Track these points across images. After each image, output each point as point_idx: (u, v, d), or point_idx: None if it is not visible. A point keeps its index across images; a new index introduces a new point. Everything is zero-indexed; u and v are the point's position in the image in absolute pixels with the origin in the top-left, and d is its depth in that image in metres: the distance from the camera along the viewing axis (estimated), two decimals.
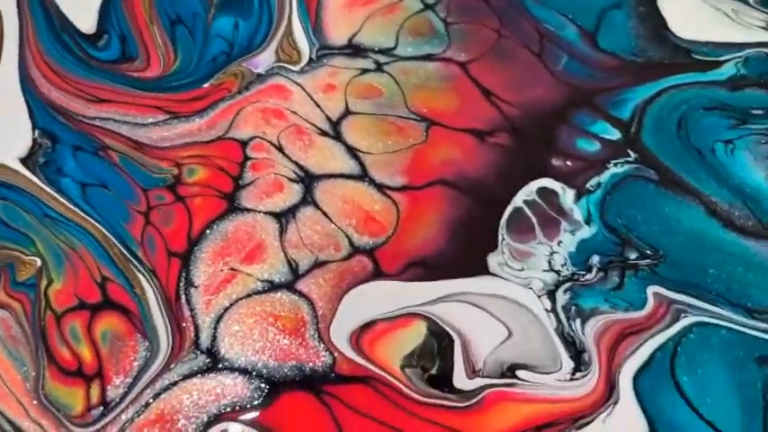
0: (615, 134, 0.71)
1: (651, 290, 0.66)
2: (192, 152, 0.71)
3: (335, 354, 0.65)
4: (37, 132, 0.71)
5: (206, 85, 0.73)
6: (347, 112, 0.72)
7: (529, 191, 0.70)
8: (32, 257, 0.66)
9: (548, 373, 0.64)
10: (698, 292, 0.66)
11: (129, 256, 0.66)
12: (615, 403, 0.63)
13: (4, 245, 0.66)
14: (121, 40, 0.74)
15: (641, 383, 0.64)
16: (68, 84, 0.72)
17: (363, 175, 0.70)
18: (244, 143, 0.71)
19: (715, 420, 0.63)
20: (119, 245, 0.67)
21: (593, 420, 0.63)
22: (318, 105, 0.72)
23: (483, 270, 0.67)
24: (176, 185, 0.69)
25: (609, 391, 0.64)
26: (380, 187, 0.70)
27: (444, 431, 0.62)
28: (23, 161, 0.69)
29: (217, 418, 0.61)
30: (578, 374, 0.64)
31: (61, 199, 0.68)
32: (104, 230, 0.67)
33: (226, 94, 0.73)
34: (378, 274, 0.67)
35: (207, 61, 0.74)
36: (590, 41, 0.74)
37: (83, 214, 0.68)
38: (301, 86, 0.73)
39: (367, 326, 0.66)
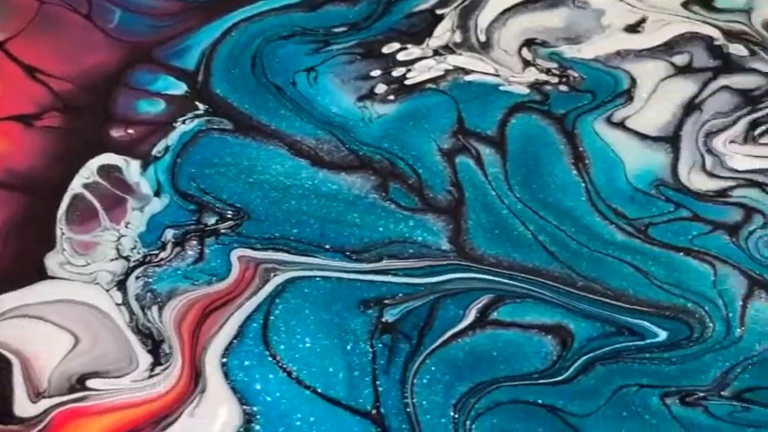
0: (180, 88, 0.72)
1: (235, 254, 0.67)
2: None
3: None
4: None
5: None
6: None
7: (88, 172, 0.70)
8: None
9: (122, 376, 0.64)
10: (289, 245, 0.68)
11: None
12: (203, 392, 0.64)
13: None
14: None
15: (230, 362, 0.65)
16: None
17: None
18: None
19: (320, 385, 0.64)
20: None
21: (179, 417, 0.63)
22: None
23: (41, 275, 0.67)
24: None
25: (195, 380, 0.64)
26: None
27: None
28: None
29: None
30: (158, 369, 0.65)
31: None
32: None
33: None
34: None
35: None
36: None
37: None
38: None
39: None
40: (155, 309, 0.66)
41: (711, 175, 0.70)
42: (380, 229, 0.68)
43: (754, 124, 0.71)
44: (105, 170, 0.70)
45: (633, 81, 0.73)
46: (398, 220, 0.68)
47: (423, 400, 0.65)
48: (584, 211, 0.69)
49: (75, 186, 0.69)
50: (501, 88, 0.72)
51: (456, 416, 0.64)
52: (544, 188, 0.69)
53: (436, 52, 0.73)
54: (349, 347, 0.66)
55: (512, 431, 0.64)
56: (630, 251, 0.68)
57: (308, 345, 0.66)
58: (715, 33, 0.75)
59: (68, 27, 0.74)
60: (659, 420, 0.64)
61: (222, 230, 0.68)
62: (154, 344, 0.65)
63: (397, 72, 0.73)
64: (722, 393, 0.65)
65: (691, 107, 0.72)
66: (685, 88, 0.73)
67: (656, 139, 0.71)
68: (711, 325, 0.67)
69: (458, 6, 0.74)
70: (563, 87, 0.72)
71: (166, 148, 0.70)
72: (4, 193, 0.69)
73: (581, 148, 0.70)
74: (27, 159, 0.70)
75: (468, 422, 0.64)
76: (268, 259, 0.67)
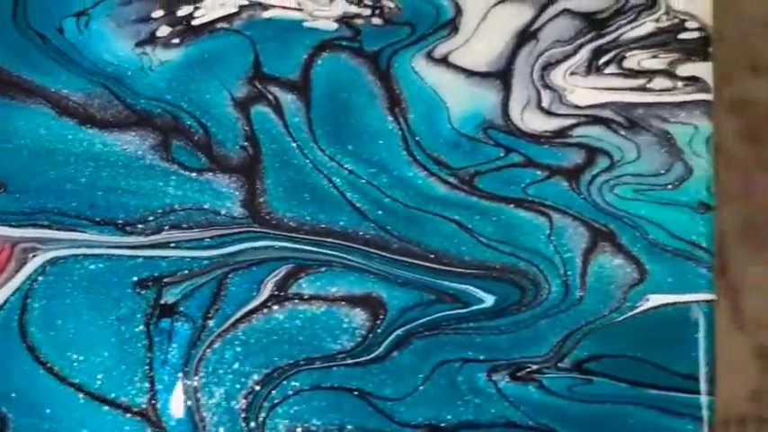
0: None
1: None
2: None
3: None
4: None
5: None
6: None
7: None
8: None
9: None
10: (51, 220, 0.61)
11: None
12: None
13: None
14: None
15: None
16: None
17: None
18: None
19: (86, 381, 0.58)
20: None
21: None
22: None
23: None
24: None
25: None
26: None
27: None
28: None
29: None
30: None
31: None
32: None
33: None
34: None
35: None
36: None
37: None
38: None
39: None
40: None
41: (548, 113, 0.64)
42: (160, 194, 0.61)
43: (597, 52, 0.65)
44: None
45: (458, 9, 0.66)
46: (182, 184, 0.62)
47: (208, 392, 0.58)
48: (401, 163, 0.63)
49: None
50: (305, 24, 0.65)
51: (247, 408, 0.58)
52: (354, 138, 0.63)
53: None
54: (122, 336, 0.59)
55: (312, 422, 0.58)
56: (454, 206, 0.62)
57: (73, 334, 0.59)
58: None
59: None
60: (485, 400, 0.59)
61: None
62: None
63: (182, 11, 0.66)
64: (560, 365, 0.59)
65: (525, 36, 0.65)
66: (520, 14, 0.66)
67: (484, 76, 0.64)
68: (547, 286, 0.61)
69: None
70: (376, 20, 0.65)
71: None
72: None
73: (397, 91, 0.64)
74: None
75: (261, 414, 0.58)
76: (26, 237, 0.61)
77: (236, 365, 0.59)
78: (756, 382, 0.77)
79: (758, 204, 0.80)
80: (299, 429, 0.58)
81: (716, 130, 0.77)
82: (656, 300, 0.61)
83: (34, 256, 0.60)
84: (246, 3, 0.66)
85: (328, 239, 0.61)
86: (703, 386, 0.60)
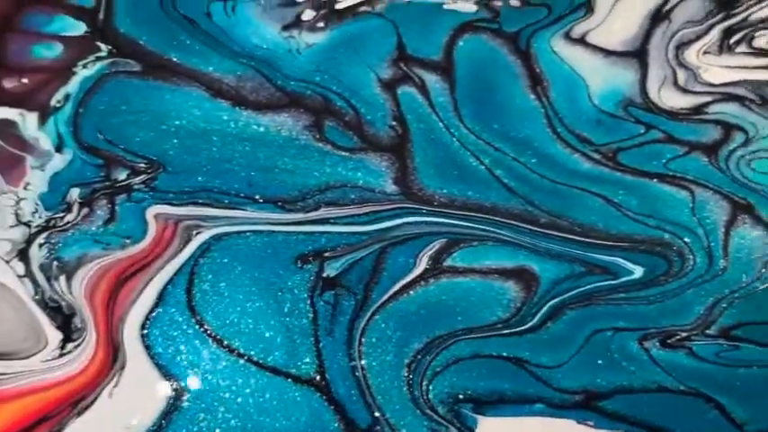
0: (79, 28, 0.68)
1: (151, 212, 0.64)
2: None
3: None
4: None
5: None
6: None
7: None
8: None
9: (30, 356, 0.62)
10: (212, 198, 0.65)
11: None
12: (122, 368, 0.61)
13: None
14: None
15: (152, 333, 0.62)
16: None
17: None
18: None
19: (255, 352, 0.62)
20: None
21: (96, 398, 0.61)
22: None
23: None
24: None
25: (112, 356, 0.62)
26: None
27: None
28: None
29: None
30: (70, 346, 0.62)
31: None
32: None
33: None
34: None
35: None
36: None
37: None
38: None
39: None
40: (62, 279, 0.63)
41: (685, 90, 0.68)
42: (316, 173, 0.65)
43: (728, 32, 0.69)
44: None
45: None
46: (336, 163, 0.66)
47: (372, 361, 0.62)
48: (545, 140, 0.66)
49: None
50: (445, 7, 0.69)
51: (410, 376, 0.62)
52: (498, 116, 0.67)
53: None
54: (287, 308, 0.63)
55: (474, 390, 0.62)
56: (598, 181, 0.66)
57: (239, 308, 0.63)
58: None
59: None
60: (638, 366, 0.63)
61: (135, 186, 0.65)
62: (63, 318, 0.62)
63: None
64: (707, 332, 0.63)
65: (658, 16, 0.69)
66: None
67: (621, 55, 0.68)
68: (692, 257, 0.65)
69: None
70: (514, 2, 0.69)
71: (67, 97, 0.67)
72: None
73: (538, 70, 0.68)
74: None
75: (424, 382, 0.62)
76: (189, 215, 0.65)
77: (398, 335, 0.63)
78: None
79: None
80: (461, 396, 0.62)
81: None
82: None
83: (198, 232, 0.64)
84: None
85: (479, 215, 0.65)
86: None
